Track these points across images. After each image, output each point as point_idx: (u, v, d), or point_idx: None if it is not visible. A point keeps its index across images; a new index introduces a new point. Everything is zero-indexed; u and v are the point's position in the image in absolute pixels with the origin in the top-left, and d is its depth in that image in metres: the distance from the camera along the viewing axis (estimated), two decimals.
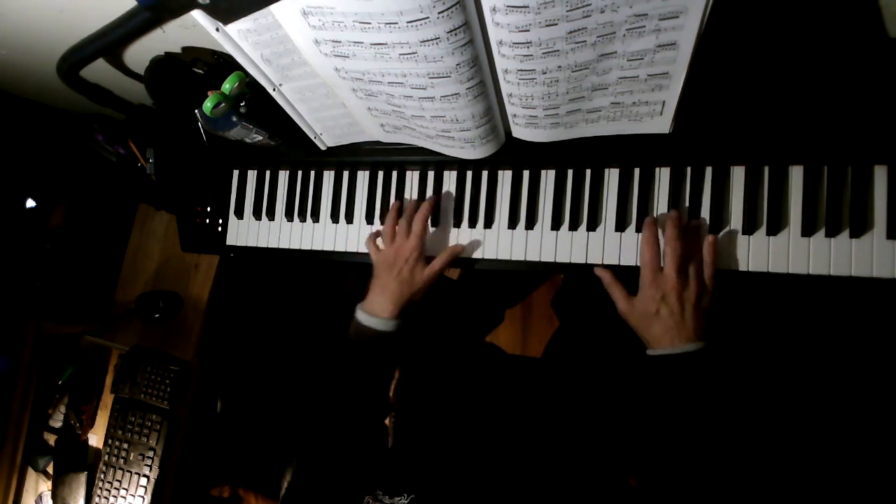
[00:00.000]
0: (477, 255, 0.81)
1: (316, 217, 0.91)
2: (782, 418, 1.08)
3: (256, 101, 0.76)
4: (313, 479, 0.69)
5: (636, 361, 0.70)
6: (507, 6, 0.51)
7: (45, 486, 1.18)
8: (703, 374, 0.64)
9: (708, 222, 0.71)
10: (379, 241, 0.83)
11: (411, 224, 0.79)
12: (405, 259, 0.77)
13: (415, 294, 0.78)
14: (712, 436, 0.63)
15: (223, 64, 0.78)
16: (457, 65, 0.58)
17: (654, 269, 0.68)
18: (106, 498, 1.08)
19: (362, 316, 0.77)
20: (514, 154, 0.76)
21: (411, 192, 0.86)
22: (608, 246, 0.75)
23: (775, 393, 1.09)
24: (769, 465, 1.05)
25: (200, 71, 0.78)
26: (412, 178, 0.86)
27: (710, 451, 0.62)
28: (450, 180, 0.84)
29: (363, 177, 0.89)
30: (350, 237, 0.89)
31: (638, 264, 0.73)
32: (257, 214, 0.94)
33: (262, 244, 0.94)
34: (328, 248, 0.90)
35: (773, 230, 0.68)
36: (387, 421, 1.13)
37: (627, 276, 0.75)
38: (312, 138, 0.82)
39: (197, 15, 0.58)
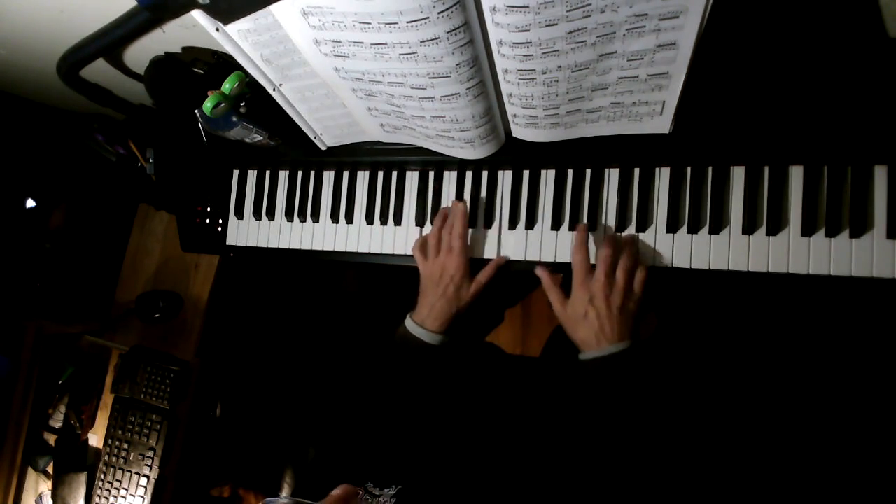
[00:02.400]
0: (478, 254, 0.81)
1: (316, 217, 0.91)
2: (780, 419, 1.08)
3: (256, 101, 0.76)
4: (323, 469, 0.70)
5: (571, 367, 0.72)
6: (507, 6, 0.51)
7: (45, 486, 1.18)
8: (629, 373, 0.66)
9: (708, 222, 0.71)
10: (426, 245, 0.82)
11: (452, 239, 0.78)
12: (451, 276, 0.77)
13: (461, 310, 0.78)
14: (644, 433, 0.65)
15: (223, 64, 0.77)
16: (457, 65, 0.58)
17: (585, 272, 0.70)
18: (106, 498, 1.08)
19: (411, 325, 0.78)
20: (514, 154, 0.76)
21: (411, 192, 0.86)
22: None
23: (762, 389, 1.09)
24: (737, 464, 1.06)
25: (200, 71, 0.78)
26: (412, 178, 0.86)
27: (644, 445, 0.64)
28: (450, 180, 0.84)
29: (363, 177, 0.89)
30: (350, 237, 0.89)
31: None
32: (257, 214, 0.94)
33: (262, 244, 0.94)
34: (328, 248, 0.90)
35: (773, 230, 0.68)
36: None
37: None
38: (312, 138, 0.82)
39: (197, 15, 0.58)
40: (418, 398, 0.79)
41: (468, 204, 0.82)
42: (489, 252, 0.81)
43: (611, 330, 0.68)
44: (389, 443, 0.84)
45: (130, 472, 1.07)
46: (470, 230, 0.81)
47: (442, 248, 0.79)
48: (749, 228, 0.69)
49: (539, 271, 0.75)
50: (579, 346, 0.71)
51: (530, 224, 0.79)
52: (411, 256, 0.84)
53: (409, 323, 0.79)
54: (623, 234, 0.74)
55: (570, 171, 0.78)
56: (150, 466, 1.06)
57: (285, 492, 1.13)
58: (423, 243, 0.82)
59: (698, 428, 1.06)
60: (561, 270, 0.78)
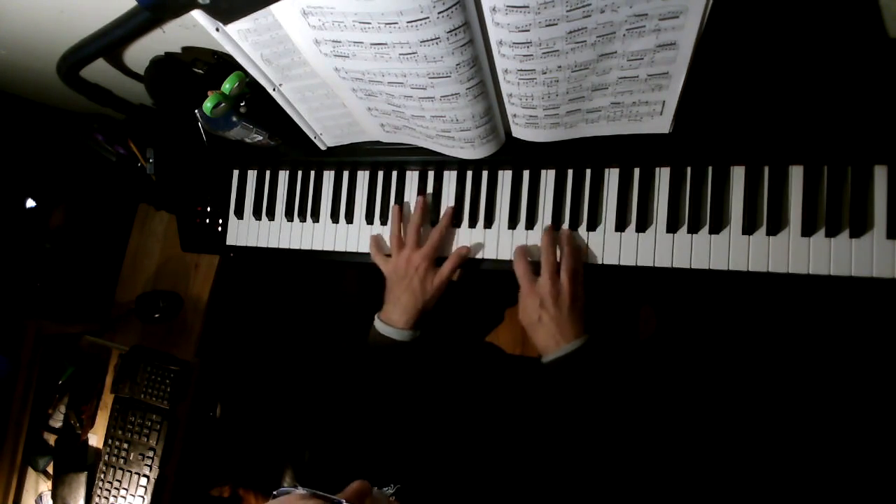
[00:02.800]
0: (477, 255, 0.81)
1: (316, 217, 0.91)
2: (780, 418, 1.08)
3: (256, 101, 0.76)
4: (319, 469, 0.71)
5: (536, 370, 0.75)
6: (507, 6, 0.51)
7: (45, 486, 1.18)
8: (590, 364, 0.69)
9: (708, 222, 0.71)
10: (386, 243, 0.83)
11: (418, 232, 0.79)
12: (415, 269, 0.78)
13: (427, 303, 0.79)
14: (610, 424, 0.67)
15: (223, 64, 0.77)
16: (457, 65, 0.58)
17: (530, 280, 0.72)
18: (106, 498, 1.08)
19: (379, 325, 0.79)
20: (514, 154, 0.76)
21: (411, 192, 0.86)
22: (608, 246, 0.75)
23: (762, 389, 1.09)
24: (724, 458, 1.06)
25: (200, 71, 0.78)
26: (412, 178, 0.86)
27: (617, 434, 0.67)
28: (450, 180, 0.84)
29: (363, 177, 0.89)
30: (350, 237, 0.89)
31: (638, 264, 0.73)
32: (257, 214, 0.94)
33: (262, 244, 0.94)
34: (328, 248, 0.90)
35: (773, 230, 0.68)
36: None
37: (627, 276, 0.75)
38: (312, 138, 0.82)
39: (197, 15, 0.58)
40: (399, 397, 0.80)
41: (428, 200, 0.83)
42: (489, 252, 0.81)
43: (566, 330, 0.70)
44: (387, 442, 0.84)
45: (130, 472, 1.07)
46: (470, 231, 0.81)
47: (407, 243, 0.80)
48: (749, 228, 0.69)
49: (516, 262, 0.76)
50: (541, 351, 0.73)
51: (530, 224, 0.79)
52: None
53: (377, 323, 0.80)
54: (563, 229, 0.76)
55: (570, 171, 0.78)
56: (150, 466, 1.06)
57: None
58: (377, 244, 0.84)
59: (696, 426, 1.06)
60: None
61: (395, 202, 0.86)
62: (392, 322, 0.78)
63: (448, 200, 0.84)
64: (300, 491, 0.47)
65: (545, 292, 0.71)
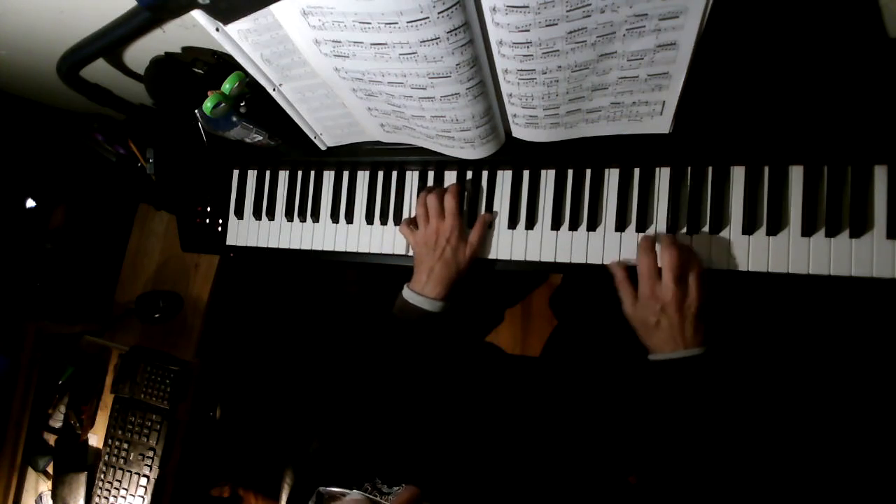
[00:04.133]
0: (479, 255, 0.81)
1: (316, 217, 0.91)
2: (782, 419, 1.08)
3: (256, 101, 0.76)
4: (326, 462, 0.70)
5: (636, 365, 0.71)
6: (507, 6, 0.51)
7: (45, 486, 1.18)
8: (703, 378, 0.64)
9: (708, 222, 0.71)
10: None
11: (443, 203, 0.77)
12: (446, 238, 0.76)
13: (461, 273, 0.77)
14: (713, 438, 0.63)
15: (223, 64, 0.78)
16: (457, 65, 0.58)
17: (653, 280, 0.67)
18: (106, 498, 1.08)
19: (410, 295, 0.76)
20: (514, 154, 0.76)
21: (411, 192, 0.86)
22: (608, 246, 0.75)
23: (776, 395, 1.09)
24: (769, 467, 1.05)
25: (200, 71, 0.78)
26: (412, 178, 0.86)
27: (710, 453, 0.63)
28: (450, 180, 0.84)
29: (363, 177, 0.89)
30: (350, 237, 0.89)
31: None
32: (257, 214, 0.94)
33: (262, 244, 0.94)
34: (328, 248, 0.90)
35: (773, 230, 0.68)
36: None
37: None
38: (312, 138, 0.82)
39: (197, 15, 0.58)
40: (425, 374, 0.76)
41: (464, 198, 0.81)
42: (489, 252, 0.80)
43: (685, 337, 0.66)
44: (398, 440, 0.84)
45: (130, 472, 1.07)
46: (470, 230, 0.81)
47: (432, 214, 0.78)
48: (749, 228, 0.69)
49: (612, 266, 0.73)
50: (650, 349, 0.69)
51: (530, 224, 0.79)
52: (412, 257, 0.84)
53: (406, 293, 0.77)
54: (686, 234, 0.71)
55: (570, 171, 0.78)
56: (150, 466, 1.06)
57: (286, 493, 1.13)
58: (409, 220, 0.82)
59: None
60: (560, 271, 0.78)
61: (395, 202, 0.86)
62: (425, 292, 0.75)
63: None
64: (356, 495, 0.45)
65: (669, 297, 0.65)
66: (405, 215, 0.86)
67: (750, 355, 1.11)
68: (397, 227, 0.86)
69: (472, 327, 1.22)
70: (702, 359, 0.65)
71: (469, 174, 0.82)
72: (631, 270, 0.71)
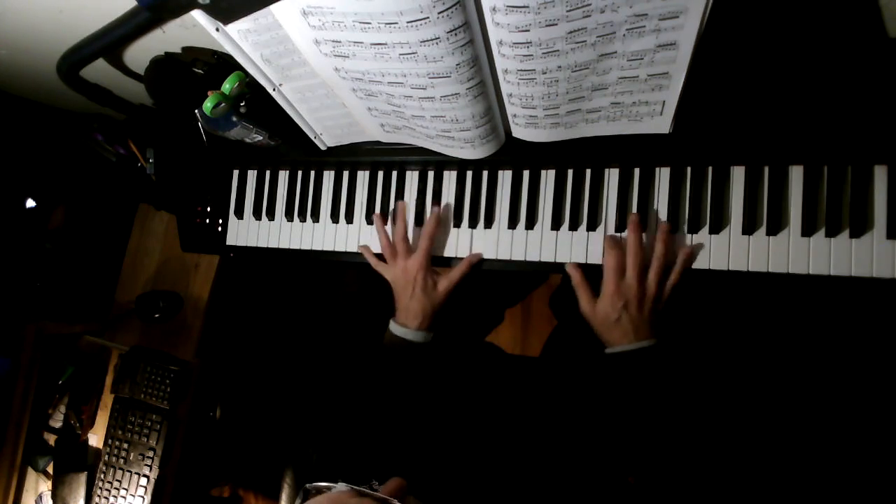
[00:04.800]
0: (484, 257, 0.81)
1: (316, 217, 0.91)
2: (780, 418, 1.08)
3: (256, 101, 0.76)
4: (326, 472, 0.71)
5: (595, 360, 0.74)
6: (507, 6, 0.51)
7: (45, 486, 1.18)
8: (656, 367, 0.68)
9: (708, 222, 0.71)
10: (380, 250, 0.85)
11: (406, 242, 0.82)
12: (413, 277, 0.79)
13: (435, 307, 0.80)
14: (670, 425, 0.67)
15: (223, 64, 0.77)
16: (457, 65, 0.58)
17: (618, 277, 0.70)
18: (106, 498, 1.08)
19: (394, 327, 0.81)
20: (514, 154, 0.76)
21: (411, 192, 0.86)
22: None
23: (762, 389, 1.10)
24: (749, 459, 1.06)
25: (200, 71, 0.78)
26: (412, 178, 0.86)
27: (669, 441, 0.67)
28: (450, 180, 0.84)
29: (363, 177, 0.89)
30: (350, 237, 0.89)
31: None
32: (257, 214, 0.94)
33: (262, 244, 0.94)
34: (328, 248, 0.90)
35: (773, 230, 0.68)
36: None
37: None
38: (312, 138, 0.82)
39: (197, 15, 0.58)
40: (414, 397, 0.80)
41: (413, 205, 0.84)
42: (489, 252, 0.80)
43: (641, 331, 0.69)
44: (393, 443, 0.84)
45: (130, 472, 1.07)
46: (470, 231, 0.81)
47: (398, 252, 0.81)
48: (749, 228, 0.69)
49: (569, 268, 0.75)
50: (607, 343, 0.72)
51: (530, 224, 0.79)
52: None
53: (392, 326, 0.81)
54: (661, 224, 0.72)
55: (570, 171, 0.78)
56: (150, 466, 1.06)
57: (286, 493, 1.13)
58: (372, 254, 0.85)
59: (709, 431, 1.06)
60: (560, 271, 0.78)
61: (395, 202, 0.86)
62: (407, 324, 0.80)
63: (448, 200, 0.84)
64: (342, 487, 0.45)
65: (631, 295, 0.69)
66: (405, 215, 0.86)
67: (749, 354, 1.11)
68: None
69: (473, 327, 1.22)
70: (655, 349, 0.69)
71: (469, 174, 0.82)
72: (587, 271, 0.75)
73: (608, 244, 0.72)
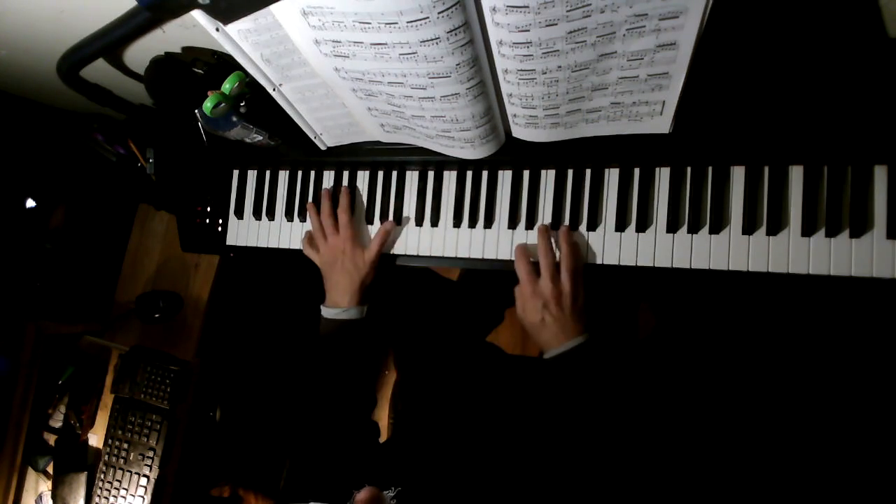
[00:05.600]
0: (477, 255, 0.81)
1: None
2: (780, 417, 1.08)
3: (256, 101, 0.76)
4: (305, 474, 0.71)
5: (538, 367, 0.76)
6: (507, 6, 0.51)
7: (45, 486, 1.18)
8: (591, 361, 0.70)
9: (708, 222, 0.71)
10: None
11: (333, 220, 0.84)
12: (342, 251, 0.82)
13: (364, 278, 0.83)
14: (609, 420, 0.68)
15: (223, 64, 0.77)
16: (457, 65, 0.58)
17: (532, 282, 0.73)
18: (106, 498, 1.08)
19: (325, 311, 0.83)
20: (514, 154, 0.76)
21: (411, 192, 0.86)
22: (608, 246, 0.75)
23: (762, 388, 1.10)
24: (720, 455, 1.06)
25: (200, 71, 0.78)
26: (412, 178, 0.86)
27: (610, 434, 0.68)
28: (450, 180, 0.84)
29: (363, 177, 0.89)
30: None
31: (638, 265, 0.73)
32: (257, 214, 0.94)
33: (263, 244, 0.94)
34: None
35: (773, 230, 0.68)
36: (387, 419, 1.13)
37: (627, 276, 0.75)
38: (312, 138, 0.82)
39: (197, 15, 0.58)
40: (364, 370, 0.83)
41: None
42: (489, 252, 0.80)
43: (568, 329, 0.71)
44: (387, 444, 0.84)
45: (130, 472, 1.07)
46: (470, 231, 0.81)
47: (327, 232, 0.84)
48: (749, 228, 0.69)
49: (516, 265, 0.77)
50: (543, 348, 0.74)
51: (530, 224, 0.79)
52: (411, 256, 0.84)
53: (324, 311, 0.83)
54: (561, 228, 0.75)
55: (570, 171, 0.78)
56: (150, 466, 1.06)
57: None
58: (309, 241, 0.87)
59: (695, 424, 1.06)
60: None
61: (395, 202, 0.86)
62: (337, 304, 0.82)
63: (448, 200, 0.84)
64: None
65: (548, 294, 0.71)
66: (405, 215, 0.86)
67: (749, 354, 1.11)
68: (397, 228, 0.86)
69: (472, 327, 1.22)
70: (585, 346, 0.70)
71: (469, 174, 0.82)
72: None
73: (518, 253, 0.75)
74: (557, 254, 0.74)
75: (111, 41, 0.72)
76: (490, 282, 1.22)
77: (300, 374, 0.85)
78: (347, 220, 0.83)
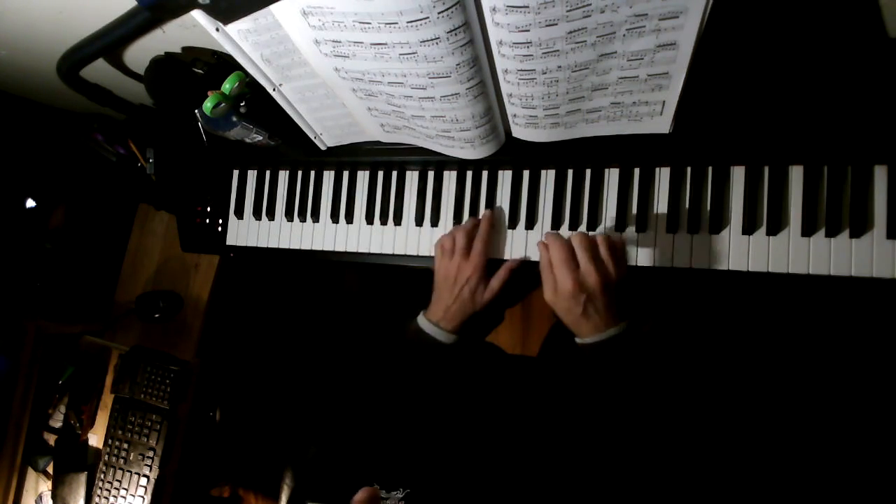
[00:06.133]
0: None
1: (316, 217, 0.91)
2: (780, 417, 1.08)
3: (256, 101, 0.76)
4: (324, 469, 0.70)
5: (567, 350, 0.72)
6: (507, 6, 0.51)
7: (45, 486, 1.18)
8: (630, 350, 0.67)
9: (708, 222, 0.71)
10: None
11: (470, 241, 0.77)
12: (466, 279, 0.75)
13: (476, 311, 0.77)
14: (648, 409, 0.65)
15: (223, 64, 0.77)
16: (457, 65, 0.58)
17: (574, 273, 0.66)
18: (106, 498, 1.08)
19: (425, 323, 0.77)
20: (514, 154, 0.76)
21: (411, 192, 0.86)
22: None
23: (762, 388, 1.09)
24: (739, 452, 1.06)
25: (200, 71, 0.78)
26: (412, 178, 0.86)
27: (649, 423, 0.65)
28: (450, 180, 0.84)
29: (363, 177, 0.89)
30: (350, 237, 0.89)
31: (638, 265, 0.73)
32: (257, 214, 0.94)
33: (262, 244, 0.94)
34: (328, 248, 0.90)
35: (773, 230, 0.68)
36: None
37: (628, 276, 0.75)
38: (312, 138, 0.82)
39: (197, 15, 0.58)
40: (428, 396, 0.78)
41: (495, 211, 0.81)
42: (489, 252, 0.80)
43: (609, 320, 0.67)
44: (395, 445, 0.84)
45: (130, 472, 1.07)
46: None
47: (457, 250, 0.77)
48: (749, 228, 0.69)
49: (539, 246, 0.72)
50: (578, 334, 0.70)
51: (530, 224, 0.79)
52: (411, 256, 0.84)
53: (422, 321, 0.78)
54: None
55: (570, 171, 0.78)
56: (150, 466, 1.06)
57: (286, 493, 1.13)
58: (443, 242, 0.80)
59: (697, 424, 1.06)
60: None
61: (395, 202, 0.86)
62: (441, 325, 0.76)
63: (448, 200, 0.84)
64: None
65: (593, 283, 0.65)
66: (405, 215, 0.86)
67: (750, 354, 1.11)
68: (397, 228, 0.86)
69: (472, 327, 1.22)
70: (625, 335, 0.66)
71: (469, 174, 0.83)
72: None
73: (551, 238, 0.69)
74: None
75: (111, 41, 0.72)
76: (504, 285, 1.22)
77: (368, 367, 0.80)
78: (481, 249, 0.76)
